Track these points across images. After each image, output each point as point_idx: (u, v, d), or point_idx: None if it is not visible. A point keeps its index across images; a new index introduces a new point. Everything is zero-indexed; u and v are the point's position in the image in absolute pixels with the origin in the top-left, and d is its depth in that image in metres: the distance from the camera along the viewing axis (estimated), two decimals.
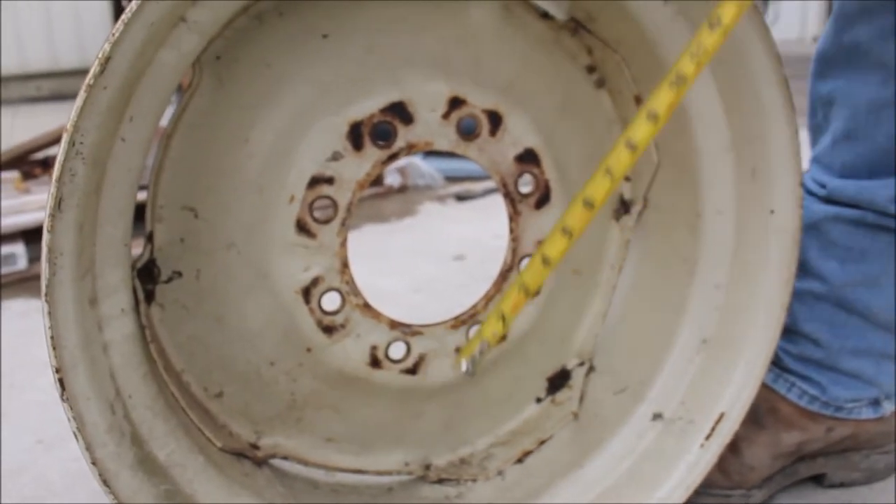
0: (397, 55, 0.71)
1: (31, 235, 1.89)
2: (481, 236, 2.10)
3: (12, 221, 1.86)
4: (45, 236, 0.52)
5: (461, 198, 2.56)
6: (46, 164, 2.43)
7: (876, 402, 0.93)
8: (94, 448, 0.56)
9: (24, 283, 1.83)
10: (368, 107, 0.71)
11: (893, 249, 0.88)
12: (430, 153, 1.78)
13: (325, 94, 0.70)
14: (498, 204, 2.44)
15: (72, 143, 0.51)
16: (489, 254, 1.91)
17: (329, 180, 0.71)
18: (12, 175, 2.33)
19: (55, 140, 2.43)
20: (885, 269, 0.88)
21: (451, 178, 2.77)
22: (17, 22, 4.83)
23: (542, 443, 0.85)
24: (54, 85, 4.95)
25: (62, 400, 0.55)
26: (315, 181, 0.70)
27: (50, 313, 0.53)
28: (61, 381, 0.54)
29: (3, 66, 4.77)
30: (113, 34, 0.51)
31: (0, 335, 1.51)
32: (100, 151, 0.55)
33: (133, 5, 0.51)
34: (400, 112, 0.72)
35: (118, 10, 4.02)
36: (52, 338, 0.53)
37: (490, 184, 2.67)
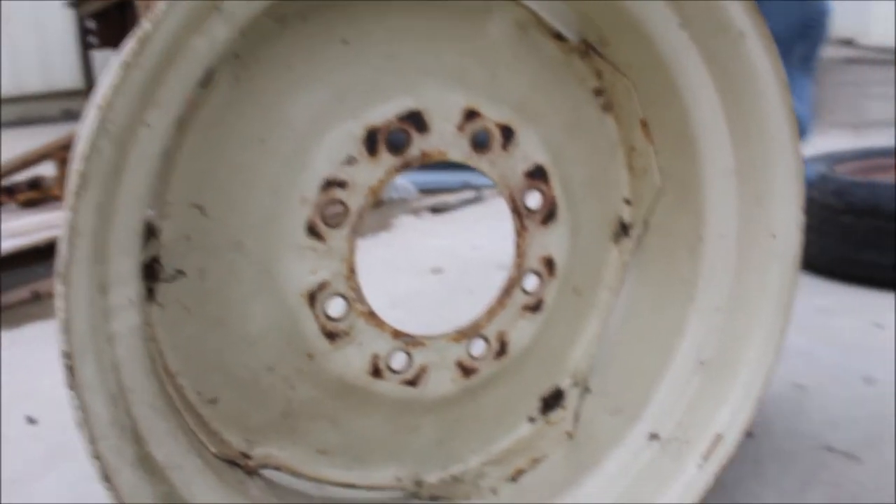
0: (416, 65, 0.72)
1: None
2: (458, 248, 2.06)
3: None
4: (68, 215, 0.50)
5: (436, 210, 2.51)
6: (11, 191, 2.37)
7: None
8: (97, 440, 0.54)
9: None
10: (385, 113, 0.71)
11: None
12: None
13: (343, 99, 0.70)
14: (474, 215, 2.44)
15: (102, 121, 0.50)
16: (467, 266, 1.88)
17: (342, 184, 0.70)
18: None
19: (21, 166, 2.37)
20: None
21: (426, 191, 2.70)
22: None
23: (537, 462, 0.85)
24: (19, 110, 4.85)
25: (69, 388, 0.53)
26: (328, 184, 0.70)
27: (65, 295, 0.51)
28: (71, 368, 0.52)
29: None
30: (155, 14, 0.50)
31: None
32: (125, 133, 0.54)
33: None
34: (416, 120, 0.72)
35: (83, 32, 3.98)
36: (65, 321, 0.51)
37: (465, 195, 2.62)
